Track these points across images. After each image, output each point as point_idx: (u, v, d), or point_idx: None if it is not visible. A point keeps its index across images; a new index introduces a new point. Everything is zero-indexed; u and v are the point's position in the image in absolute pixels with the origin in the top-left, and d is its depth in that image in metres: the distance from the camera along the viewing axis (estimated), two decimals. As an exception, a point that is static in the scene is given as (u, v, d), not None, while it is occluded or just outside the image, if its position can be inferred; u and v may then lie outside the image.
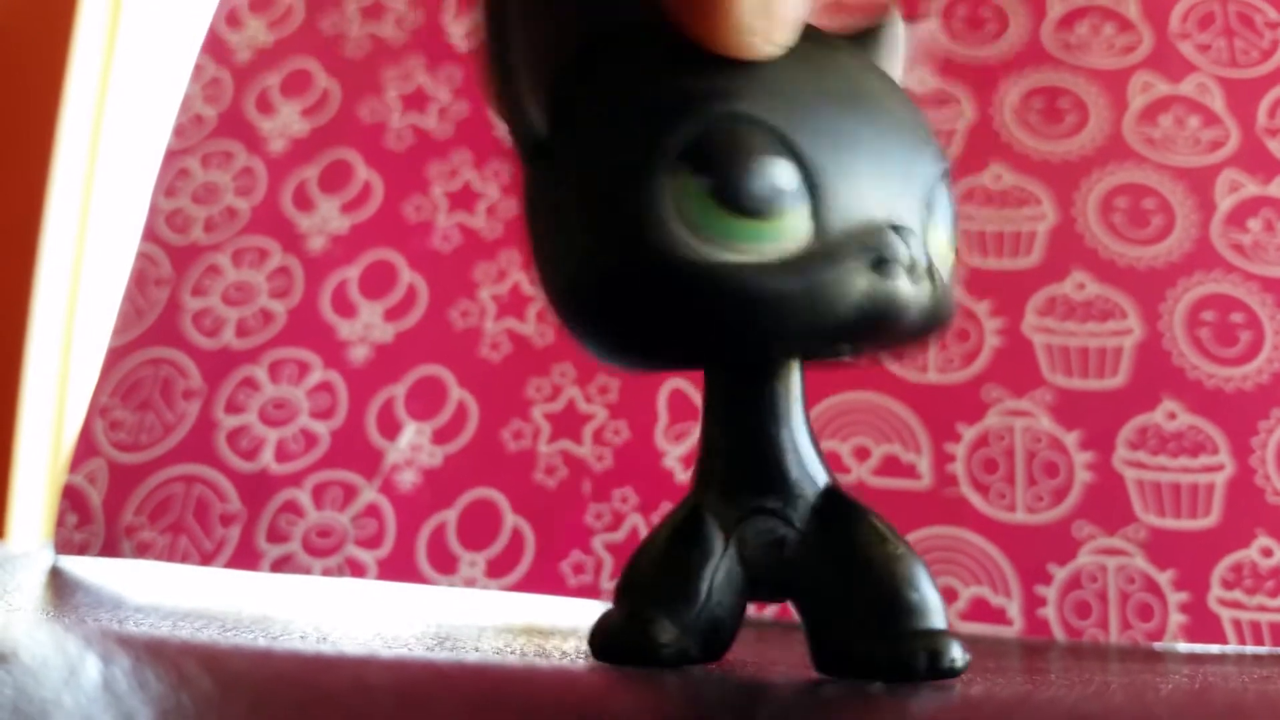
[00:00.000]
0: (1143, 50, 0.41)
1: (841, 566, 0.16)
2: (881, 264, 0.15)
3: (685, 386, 0.39)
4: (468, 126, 0.43)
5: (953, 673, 0.15)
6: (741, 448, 0.17)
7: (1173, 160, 0.39)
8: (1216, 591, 0.33)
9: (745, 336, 0.16)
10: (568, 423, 0.38)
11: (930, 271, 0.16)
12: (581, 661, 0.19)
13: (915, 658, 0.15)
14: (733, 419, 0.17)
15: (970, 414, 0.36)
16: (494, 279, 0.41)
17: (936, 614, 0.16)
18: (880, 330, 0.15)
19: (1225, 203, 0.38)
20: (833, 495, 0.17)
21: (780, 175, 0.14)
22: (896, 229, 0.15)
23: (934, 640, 0.15)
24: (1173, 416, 0.36)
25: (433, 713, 0.11)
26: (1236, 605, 0.33)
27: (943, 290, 0.16)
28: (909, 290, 0.15)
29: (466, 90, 0.44)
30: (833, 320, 0.15)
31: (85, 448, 0.40)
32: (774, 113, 0.15)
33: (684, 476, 0.37)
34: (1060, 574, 0.34)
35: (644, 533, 0.37)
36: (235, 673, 0.14)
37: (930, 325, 0.16)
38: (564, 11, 0.16)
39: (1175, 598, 0.34)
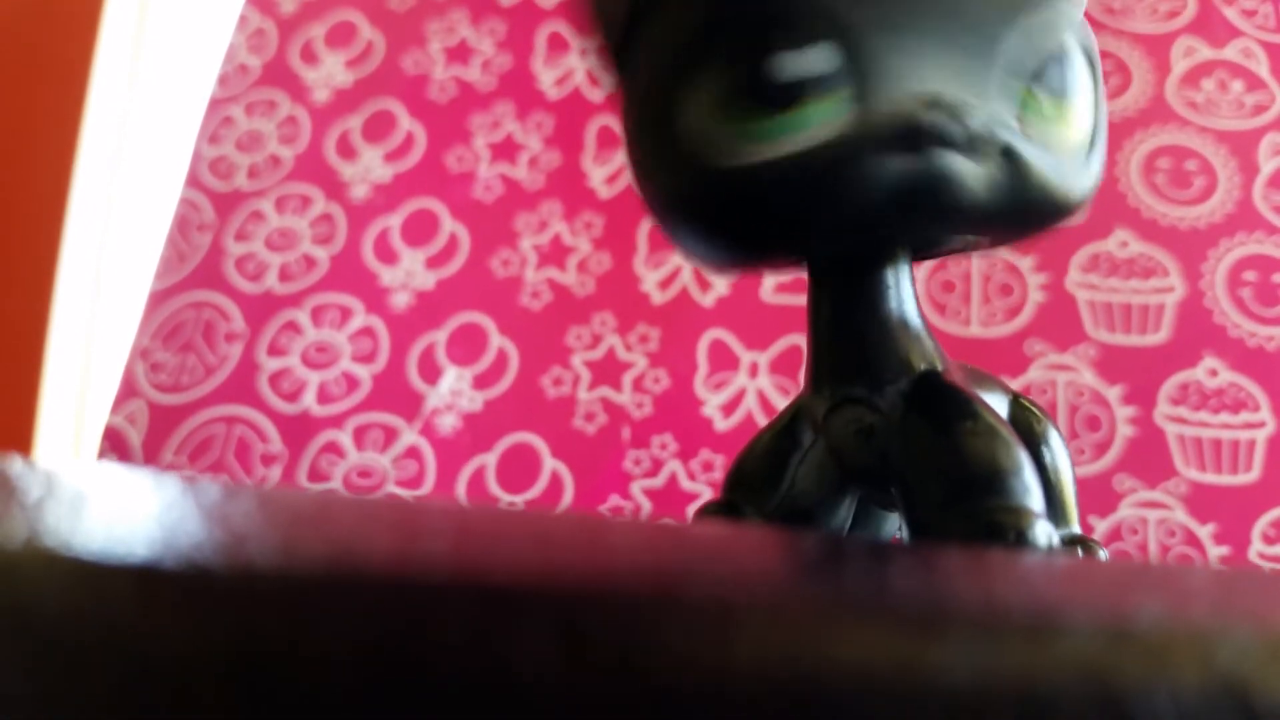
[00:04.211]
0: (1186, 15, 0.41)
1: (924, 448, 0.16)
2: (919, 142, 0.14)
3: (726, 337, 0.39)
4: (510, 79, 0.43)
5: (1037, 550, 0.15)
6: (830, 340, 0.17)
7: (1215, 123, 0.39)
8: (1258, 546, 0.33)
9: (781, 233, 0.15)
10: (608, 370, 0.39)
11: (1002, 147, 0.14)
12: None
13: (1003, 533, 0.15)
14: (822, 313, 0.17)
15: (1013, 367, 0.36)
16: (535, 229, 0.41)
17: (1016, 492, 0.15)
18: (933, 211, 0.14)
19: (1268, 166, 0.38)
20: (924, 380, 0.17)
21: (814, 61, 0.14)
22: (940, 104, 0.14)
23: (1016, 516, 0.15)
24: (1214, 374, 0.36)
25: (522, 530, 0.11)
26: (1279, 560, 0.33)
27: (1028, 165, 0.15)
28: (962, 167, 0.14)
29: (510, 43, 0.44)
30: (869, 206, 0.14)
31: (126, 389, 0.41)
32: None
33: (723, 425, 0.38)
34: (1101, 526, 0.34)
35: (683, 479, 0.37)
36: (320, 493, 0.14)
37: (1020, 203, 0.15)
38: None
39: (1216, 551, 0.34)
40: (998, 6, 0.15)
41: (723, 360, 0.38)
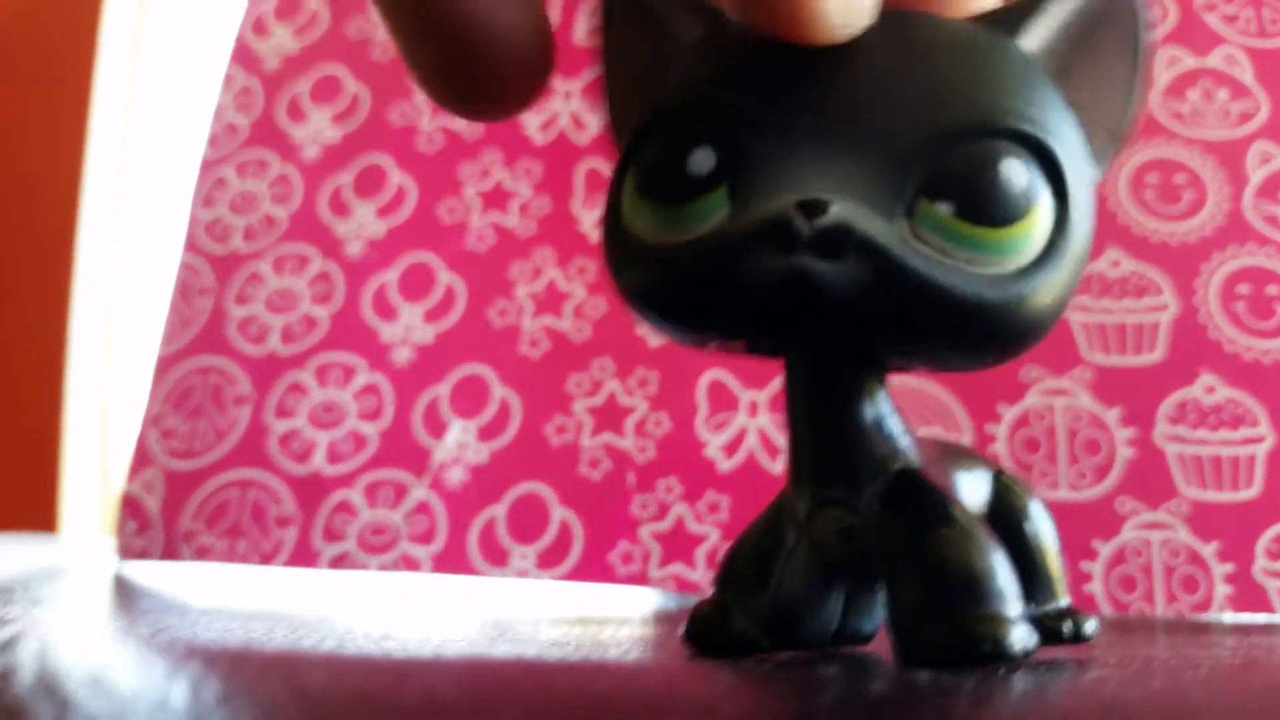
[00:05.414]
0: (1168, 24, 0.41)
1: (901, 553, 0.17)
2: (782, 242, 0.14)
3: (724, 377, 0.39)
4: (496, 126, 0.44)
5: (1014, 657, 0.15)
6: (808, 439, 0.17)
7: (1202, 134, 0.39)
8: (1262, 562, 0.34)
9: (676, 317, 0.16)
10: (609, 416, 0.39)
11: (859, 244, 0.14)
12: (634, 654, 0.20)
13: (979, 644, 0.15)
14: (799, 410, 0.17)
15: (1010, 394, 0.37)
16: (530, 277, 0.41)
17: (993, 598, 0.16)
18: (804, 310, 0.14)
19: (1257, 175, 0.38)
20: (902, 480, 0.17)
21: (695, 162, 0.15)
22: (805, 205, 0.14)
23: (993, 626, 0.15)
24: (1211, 390, 0.36)
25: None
26: (1281, 575, 0.33)
27: (899, 264, 0.14)
28: (821, 268, 0.14)
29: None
30: (749, 301, 0.14)
31: (141, 457, 0.41)
32: (722, 95, 0.15)
33: (726, 465, 0.38)
34: (1105, 549, 0.35)
35: (689, 522, 0.38)
36: (316, 689, 0.14)
37: (902, 304, 0.14)
38: (651, 30, 0.17)
39: (1220, 569, 0.34)
40: (909, 130, 0.15)
41: (722, 400, 0.39)
